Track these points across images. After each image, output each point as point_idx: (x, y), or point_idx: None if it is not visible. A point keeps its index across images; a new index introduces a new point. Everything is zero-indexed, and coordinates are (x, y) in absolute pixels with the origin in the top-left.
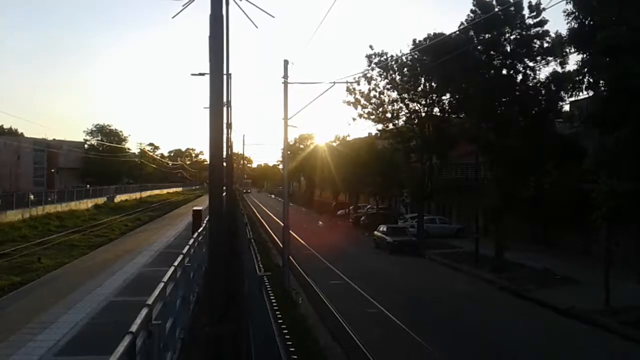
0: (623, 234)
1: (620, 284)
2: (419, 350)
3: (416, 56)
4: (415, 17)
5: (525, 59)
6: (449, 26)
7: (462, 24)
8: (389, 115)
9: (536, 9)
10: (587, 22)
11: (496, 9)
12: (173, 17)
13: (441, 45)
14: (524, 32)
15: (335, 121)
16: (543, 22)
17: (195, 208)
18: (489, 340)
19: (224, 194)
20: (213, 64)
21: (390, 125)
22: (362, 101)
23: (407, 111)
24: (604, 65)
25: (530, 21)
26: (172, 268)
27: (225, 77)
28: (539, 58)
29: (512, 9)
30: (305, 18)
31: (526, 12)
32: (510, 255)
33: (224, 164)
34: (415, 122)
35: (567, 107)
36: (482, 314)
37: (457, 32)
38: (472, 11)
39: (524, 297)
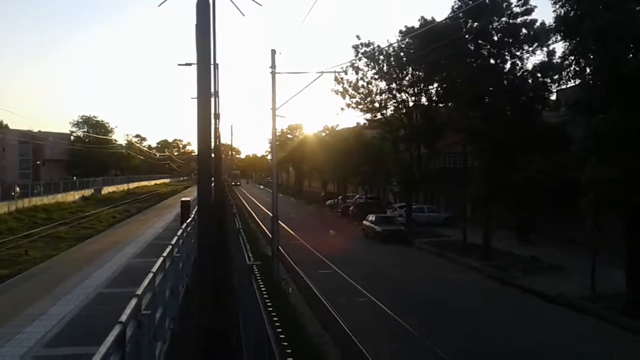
0: (609, 221)
1: (606, 270)
2: (407, 336)
3: (403, 45)
4: (404, 6)
5: (512, 48)
6: (439, 15)
7: (452, 11)
8: (377, 105)
9: None
10: (574, 9)
11: None
12: (159, 5)
13: (429, 32)
14: (510, 21)
15: (324, 111)
16: (529, 10)
17: (183, 199)
18: (477, 327)
19: (212, 185)
20: (200, 53)
21: (379, 115)
22: (350, 91)
23: (395, 101)
24: (592, 52)
25: (517, 9)
26: (161, 259)
27: (212, 67)
28: (525, 47)
29: None
30: (293, 6)
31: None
32: (498, 244)
33: (212, 155)
34: (403, 111)
35: (553, 97)
36: (470, 301)
37: (445, 20)
38: None
39: (511, 284)
